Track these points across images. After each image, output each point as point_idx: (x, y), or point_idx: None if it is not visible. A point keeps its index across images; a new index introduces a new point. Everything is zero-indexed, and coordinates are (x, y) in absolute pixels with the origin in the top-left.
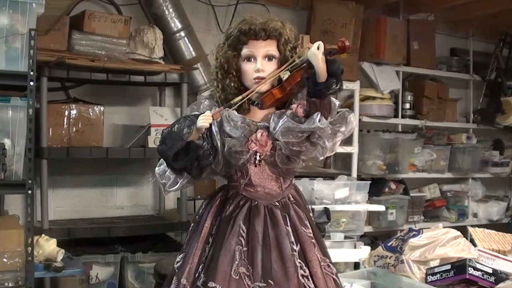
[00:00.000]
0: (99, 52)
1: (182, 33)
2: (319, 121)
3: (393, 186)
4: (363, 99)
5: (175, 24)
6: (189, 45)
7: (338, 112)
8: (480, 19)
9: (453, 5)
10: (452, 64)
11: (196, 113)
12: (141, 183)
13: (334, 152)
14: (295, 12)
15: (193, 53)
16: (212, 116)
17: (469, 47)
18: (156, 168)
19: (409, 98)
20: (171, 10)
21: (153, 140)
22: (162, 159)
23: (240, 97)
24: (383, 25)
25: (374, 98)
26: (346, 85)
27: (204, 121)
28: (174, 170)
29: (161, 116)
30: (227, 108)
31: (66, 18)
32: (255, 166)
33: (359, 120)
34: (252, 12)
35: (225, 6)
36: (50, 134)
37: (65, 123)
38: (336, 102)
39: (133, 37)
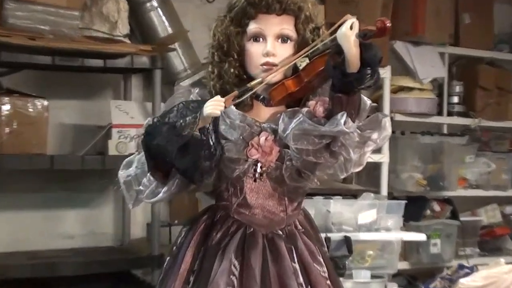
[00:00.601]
0: (42, 27)
1: (154, 3)
2: (345, 123)
3: (436, 207)
4: (396, 90)
5: None
6: (164, 18)
7: (369, 115)
8: None
9: None
10: None
11: (197, 99)
12: (99, 204)
13: (361, 167)
14: None
15: (168, 29)
16: (224, 102)
17: None
18: (121, 172)
19: (457, 89)
20: None
21: (115, 146)
22: (128, 160)
23: (259, 80)
24: None
25: (410, 89)
26: None
27: (213, 107)
28: (158, 174)
29: (125, 113)
30: (242, 94)
31: None
32: (254, 180)
33: (391, 119)
34: None
35: None
36: None
37: None
38: (367, 102)
39: (89, 7)
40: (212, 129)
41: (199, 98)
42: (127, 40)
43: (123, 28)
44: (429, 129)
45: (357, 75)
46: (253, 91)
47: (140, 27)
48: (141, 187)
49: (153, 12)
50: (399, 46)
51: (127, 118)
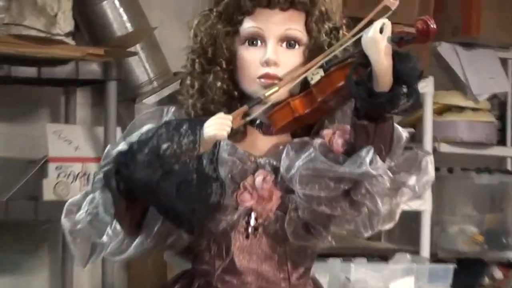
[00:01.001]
0: None
1: None
2: (371, 162)
3: (498, 274)
4: (441, 110)
5: None
6: (121, 10)
7: (404, 153)
8: None
9: None
10: None
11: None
12: (30, 268)
13: (392, 224)
14: None
15: (127, 25)
16: (231, 121)
17: None
18: (65, 219)
19: None
20: None
21: (53, 187)
22: (73, 201)
23: (276, 88)
24: None
25: (460, 109)
26: None
27: (218, 126)
28: (130, 222)
29: (68, 142)
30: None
31: None
32: (246, 237)
33: (434, 149)
34: None
35: None
36: None
37: None
38: (403, 133)
39: None
40: (210, 157)
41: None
42: (70, 41)
43: (65, 24)
44: (488, 164)
45: (389, 95)
46: (269, 104)
47: (88, 22)
48: (104, 239)
49: (107, 2)
50: (445, 50)
51: (70, 148)
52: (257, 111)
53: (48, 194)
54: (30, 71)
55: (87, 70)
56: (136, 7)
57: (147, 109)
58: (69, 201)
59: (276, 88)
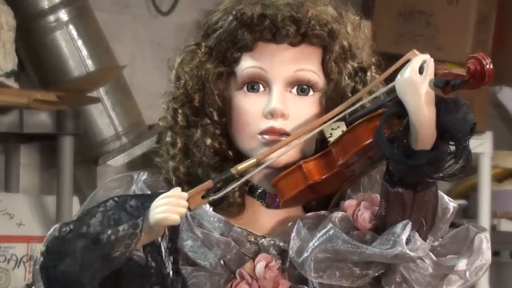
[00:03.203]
0: None
1: (63, 15)
2: (408, 241)
3: None
4: (502, 177)
5: None
6: (80, 43)
7: (452, 228)
8: None
9: None
10: None
11: (129, 194)
12: None
13: None
14: None
15: (88, 62)
16: (187, 199)
17: None
18: None
19: None
20: None
21: None
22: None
23: (253, 161)
24: None
25: None
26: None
27: (169, 208)
28: None
29: (8, 216)
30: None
31: None
32: None
33: (492, 228)
34: None
35: None
36: None
37: None
38: (451, 204)
39: None
40: (167, 246)
41: (147, 192)
42: (12, 83)
43: (5, 61)
44: None
45: (432, 155)
46: (241, 181)
47: (36, 58)
48: None
49: (61, 32)
50: (508, 97)
51: (11, 224)
52: (253, 176)
53: None
54: None
55: (34, 122)
56: (99, 39)
57: (113, 173)
58: None
59: (254, 160)
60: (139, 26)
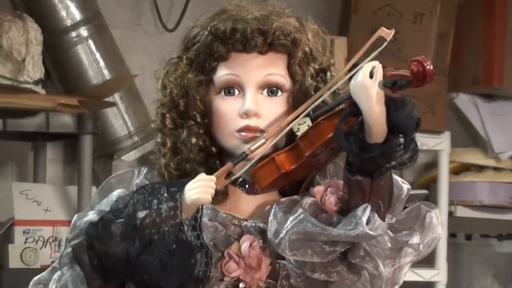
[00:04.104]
0: None
1: (84, 31)
2: (368, 222)
3: None
4: (458, 170)
5: (69, 12)
6: (98, 55)
7: (406, 207)
8: None
9: None
10: None
11: (130, 192)
12: None
13: (397, 287)
14: None
15: (105, 72)
16: (215, 182)
17: None
18: (35, 279)
19: None
20: None
21: (20, 254)
22: (41, 279)
23: (262, 140)
24: (499, 17)
25: (480, 168)
26: (422, 141)
27: (202, 190)
28: None
29: (36, 203)
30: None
31: None
32: None
33: (450, 214)
34: None
35: None
36: None
37: None
38: (404, 186)
39: None
40: (197, 223)
41: (147, 182)
42: (39, 89)
43: (33, 70)
44: (510, 231)
45: (383, 147)
46: (255, 160)
47: (60, 69)
48: None
49: (82, 46)
50: (463, 102)
51: (39, 210)
52: (242, 168)
53: (14, 262)
54: None
55: (59, 123)
56: (114, 52)
57: (126, 166)
58: (34, 279)
59: (263, 140)
60: (148, 41)
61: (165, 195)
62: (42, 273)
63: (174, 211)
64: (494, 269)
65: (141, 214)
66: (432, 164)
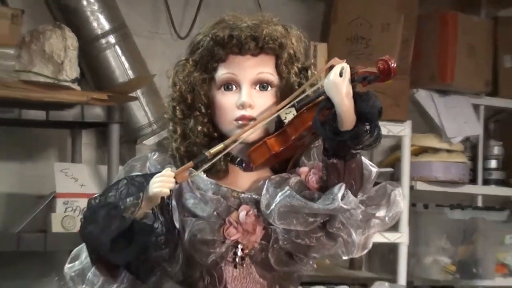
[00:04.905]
0: None
1: (111, 39)
2: (343, 197)
3: None
4: (417, 152)
5: (100, 23)
6: (123, 58)
7: (375, 185)
8: None
9: None
10: None
11: (144, 172)
12: None
13: (366, 251)
14: (304, 4)
15: (129, 72)
16: (174, 177)
17: None
18: (67, 266)
19: (496, 151)
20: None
21: (61, 221)
22: (77, 250)
23: (221, 145)
24: (451, 27)
25: (435, 150)
26: (389, 129)
27: (161, 184)
28: (104, 268)
29: (74, 180)
30: (197, 166)
31: None
32: (235, 267)
33: (411, 188)
34: (232, 7)
35: None
36: None
37: None
38: (373, 169)
39: (27, 44)
40: (163, 210)
41: (159, 167)
42: (76, 86)
43: (71, 70)
44: (460, 201)
45: (352, 133)
46: (212, 161)
47: (93, 69)
48: (84, 286)
49: (110, 51)
50: (422, 96)
51: (76, 185)
52: (234, 150)
53: (56, 227)
54: (39, 114)
55: (92, 114)
56: (137, 56)
57: (147, 149)
58: (75, 249)
59: (222, 145)
60: (164, 47)
61: (137, 185)
62: (81, 245)
63: (136, 199)
64: (446, 232)
65: (111, 202)
66: (397, 147)
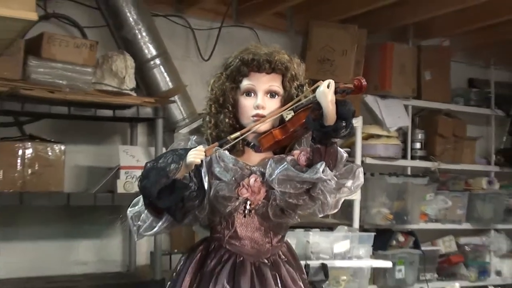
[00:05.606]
0: (60, 81)
1: (157, 61)
2: (323, 171)
3: (401, 238)
4: (366, 137)
5: (149, 50)
6: (165, 74)
7: (345, 166)
8: (502, 45)
9: (471, 29)
10: (470, 97)
11: (186, 147)
12: (109, 235)
13: (336, 210)
14: (288, 37)
15: (169, 83)
16: (204, 152)
17: (490, 77)
18: (129, 209)
19: (419, 136)
20: (144, 34)
21: (123, 185)
22: (136, 199)
23: (238, 133)
24: (389, 52)
25: (379, 136)
26: None
27: (195, 156)
28: (153, 211)
29: (132, 157)
30: (221, 146)
31: (20, 42)
32: (244, 216)
33: (362, 162)
34: (239, 40)
35: (206, 29)
36: (1, 176)
37: (19, 164)
38: (344, 154)
39: (100, 64)
40: (197, 174)
41: (197, 145)
42: (133, 93)
43: (130, 83)
44: (395, 171)
45: (333, 127)
46: (232, 143)
47: (144, 82)
48: (139, 223)
49: (156, 69)
50: (369, 99)
51: (133, 161)
52: (249, 138)
53: (120, 189)
54: (108, 113)
55: (144, 112)
56: (174, 72)
57: (182, 136)
58: (135, 199)
59: (239, 133)
60: (193, 66)
61: (178, 155)
62: (139, 196)
63: (176, 166)
64: (386, 192)
65: (161, 166)
66: (353, 134)
